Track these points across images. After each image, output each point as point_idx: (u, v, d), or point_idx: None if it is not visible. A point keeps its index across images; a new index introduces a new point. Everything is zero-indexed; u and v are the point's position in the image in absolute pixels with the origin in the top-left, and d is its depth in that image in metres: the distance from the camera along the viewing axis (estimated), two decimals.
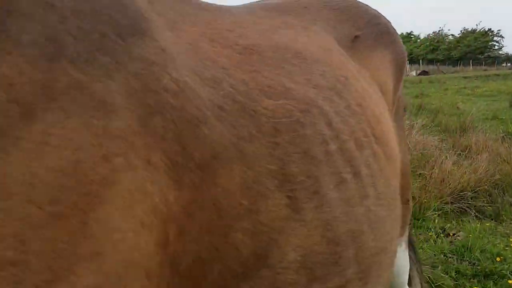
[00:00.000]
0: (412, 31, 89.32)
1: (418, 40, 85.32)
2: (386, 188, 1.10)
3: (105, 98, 0.61)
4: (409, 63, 54.31)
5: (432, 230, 4.11)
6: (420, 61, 62.01)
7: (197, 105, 0.74)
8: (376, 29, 1.48)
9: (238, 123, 0.80)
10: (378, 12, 1.58)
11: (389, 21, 1.59)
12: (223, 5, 1.19)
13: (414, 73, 41.98)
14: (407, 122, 8.23)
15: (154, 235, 0.64)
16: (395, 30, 1.58)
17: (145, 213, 0.62)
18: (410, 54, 76.27)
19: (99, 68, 0.63)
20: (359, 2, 1.57)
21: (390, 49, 1.49)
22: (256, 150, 0.80)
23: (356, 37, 1.40)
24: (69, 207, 0.54)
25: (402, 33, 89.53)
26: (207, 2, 1.13)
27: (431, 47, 77.92)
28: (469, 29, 75.48)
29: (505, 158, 5.56)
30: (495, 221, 4.33)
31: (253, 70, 0.91)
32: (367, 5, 1.58)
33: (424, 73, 40.35)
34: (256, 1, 1.51)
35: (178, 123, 0.70)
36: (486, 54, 70.64)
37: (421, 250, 3.66)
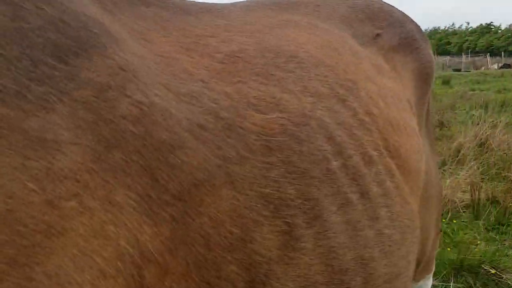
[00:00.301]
0: (492, 22, 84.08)
1: (499, 31, 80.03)
2: (402, 208, 0.99)
3: (45, 135, 0.54)
4: (489, 55, 51.21)
5: None
6: (502, 53, 58.10)
7: (169, 127, 0.66)
8: (400, 31, 1.35)
9: (224, 143, 0.72)
10: (406, 16, 1.47)
11: (417, 26, 1.47)
12: (214, 4, 1.08)
13: (495, 66, 39.42)
14: (490, 120, 7.84)
15: (121, 283, 0.57)
16: (423, 36, 1.45)
17: (107, 260, 0.55)
18: (491, 46, 71.85)
19: (35, 100, 0.55)
20: (384, 3, 1.45)
21: (414, 55, 1.36)
22: (246, 173, 0.72)
23: (377, 35, 1.28)
24: (6, 263, 0.47)
25: (481, 24, 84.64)
26: (192, 2, 1.02)
27: None
28: None
29: None
30: None
31: (238, 81, 0.81)
32: (393, 7, 1.46)
33: (507, 66, 37.78)
34: None
35: (144, 153, 0.62)
36: None
37: (506, 257, 3.50)
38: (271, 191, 0.74)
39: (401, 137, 1.06)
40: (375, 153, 0.95)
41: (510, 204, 4.41)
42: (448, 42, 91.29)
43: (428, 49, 1.44)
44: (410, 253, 1.02)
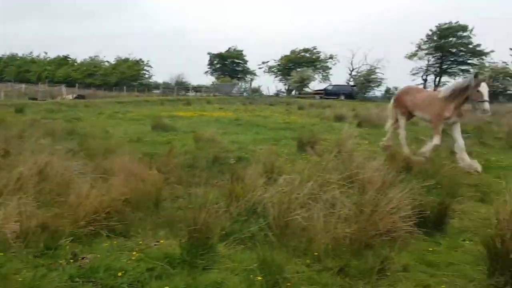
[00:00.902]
0: (69, 55, 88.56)
1: (76, 64, 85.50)
2: None
3: None
4: (66, 86, 53.73)
5: (63, 257, 4.05)
6: (77, 85, 61.96)
7: None
8: None
9: None
10: None
11: None
12: None
13: (70, 96, 41.83)
14: (57, 147, 8.04)
15: None
16: None
17: None
18: (69, 77, 75.51)
19: None
20: None
21: None
22: None
23: None
24: None
25: (59, 56, 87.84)
26: None
27: (88, 72, 79.40)
28: (123, 58, 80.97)
29: (139, 177, 6.06)
30: (125, 237, 4.65)
31: None
32: None
33: (80, 97, 40.67)
34: None
35: None
36: (139, 81, 77.28)
37: (52, 280, 3.56)
38: None
39: None
40: None
41: (60, 228, 4.54)
42: (27, 70, 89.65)
43: None
44: None
